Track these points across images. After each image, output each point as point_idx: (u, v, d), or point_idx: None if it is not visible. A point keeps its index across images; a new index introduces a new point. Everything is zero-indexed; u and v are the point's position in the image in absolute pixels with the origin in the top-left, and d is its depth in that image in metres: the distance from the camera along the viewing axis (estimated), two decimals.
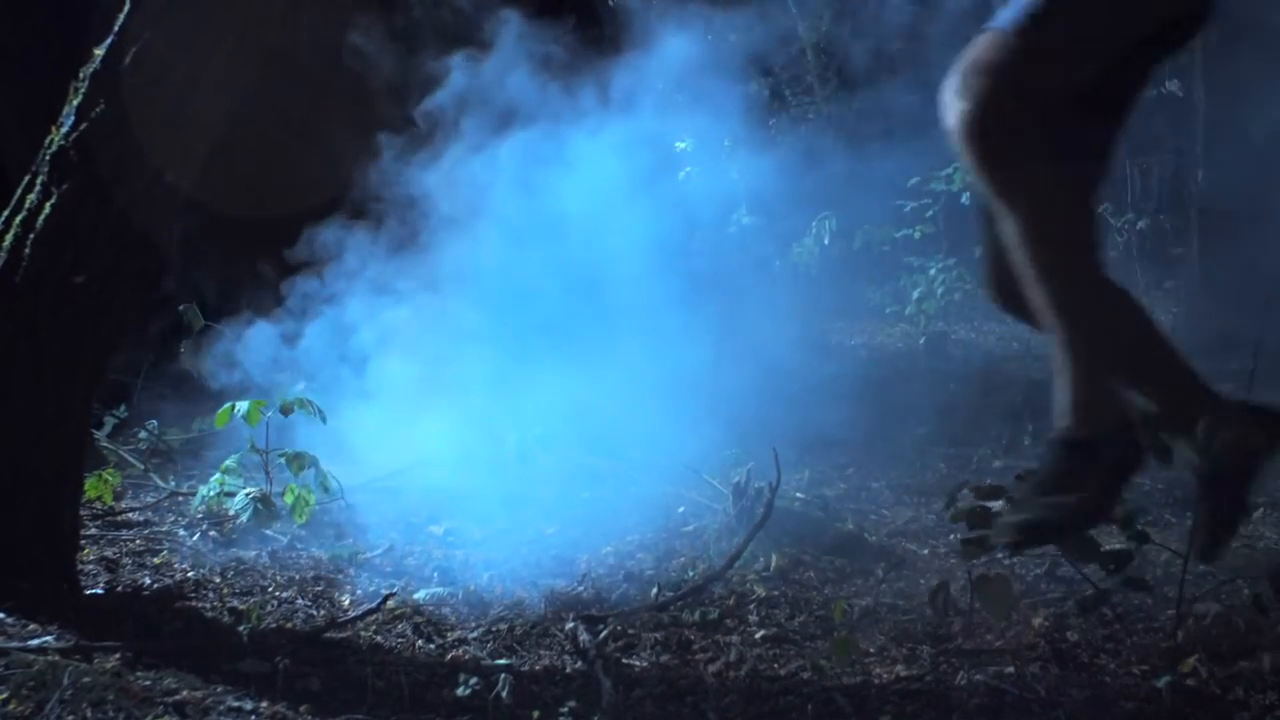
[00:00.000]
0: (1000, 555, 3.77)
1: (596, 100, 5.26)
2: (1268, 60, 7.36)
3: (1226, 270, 7.30)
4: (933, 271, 8.48)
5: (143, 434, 5.06)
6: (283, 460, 4.22)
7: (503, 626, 3.25)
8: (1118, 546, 2.93)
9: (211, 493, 4.18)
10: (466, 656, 3.06)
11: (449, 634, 3.23)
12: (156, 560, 3.82)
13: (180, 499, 4.49)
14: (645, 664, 3.03)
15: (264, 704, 2.70)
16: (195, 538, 4.04)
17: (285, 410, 4.34)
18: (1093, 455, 2.32)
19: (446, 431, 5.17)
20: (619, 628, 3.20)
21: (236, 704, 2.69)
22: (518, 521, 4.38)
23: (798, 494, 4.30)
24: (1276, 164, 7.00)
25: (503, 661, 3.02)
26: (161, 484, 4.68)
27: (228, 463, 4.30)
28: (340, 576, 3.71)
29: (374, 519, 4.35)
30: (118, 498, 4.44)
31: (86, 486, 4.06)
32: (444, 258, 4.95)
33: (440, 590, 3.52)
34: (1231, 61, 7.50)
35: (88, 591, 3.38)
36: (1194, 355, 6.84)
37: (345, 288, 4.89)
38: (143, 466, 4.80)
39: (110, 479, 4.29)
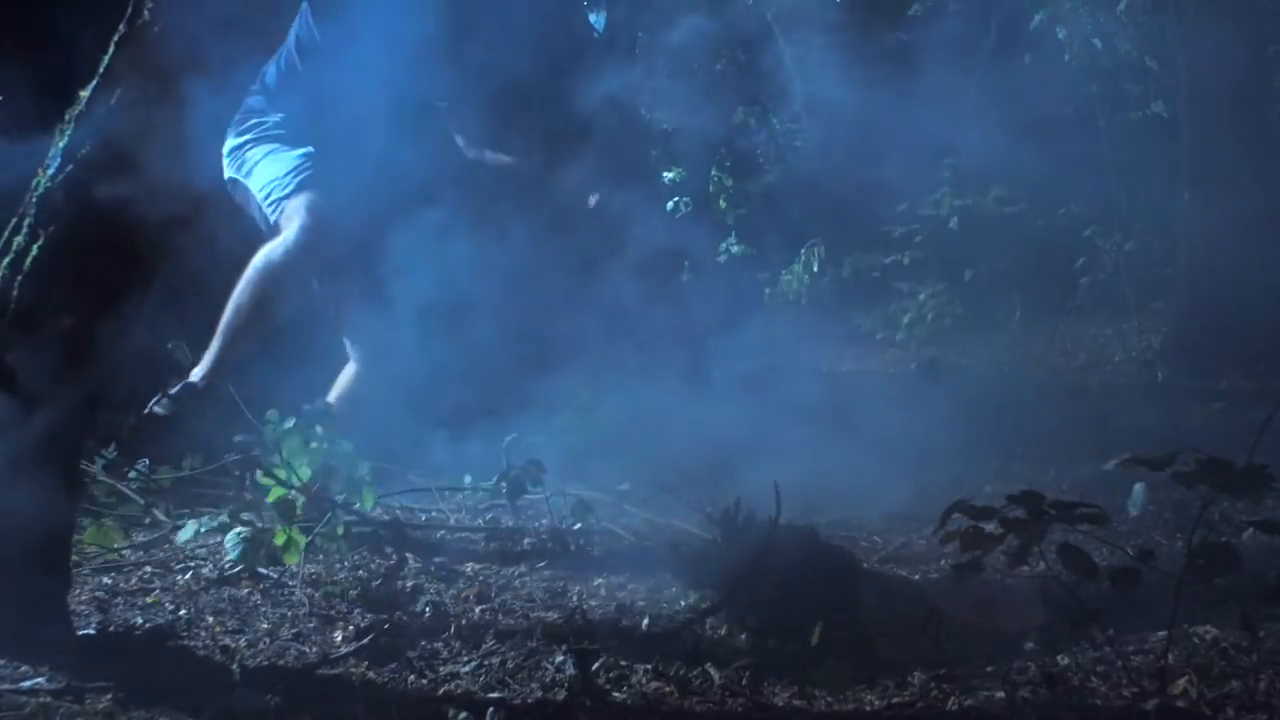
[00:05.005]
0: (993, 580, 3.78)
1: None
2: (1253, 81, 7.42)
3: (1215, 290, 7.33)
4: (922, 297, 8.54)
5: (133, 473, 5.05)
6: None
7: (494, 660, 3.25)
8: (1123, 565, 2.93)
9: (202, 531, 4.17)
10: (459, 691, 3.06)
11: (441, 668, 3.23)
12: (149, 599, 3.81)
13: (171, 537, 4.48)
14: (637, 695, 3.03)
15: None
16: (187, 576, 4.04)
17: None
18: None
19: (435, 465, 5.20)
20: (611, 659, 3.20)
21: None
22: (509, 554, 4.39)
23: (789, 522, 4.29)
24: (1263, 184, 7.04)
25: (495, 695, 3.02)
26: (164, 518, 4.67)
27: (223, 516, 4.28)
28: (332, 612, 3.71)
29: (366, 553, 4.35)
30: (107, 536, 4.44)
31: (87, 535, 4.10)
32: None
33: (432, 624, 3.52)
34: (1217, 82, 7.54)
35: (80, 632, 3.37)
36: (1184, 375, 6.89)
37: None
38: (143, 502, 4.80)
39: (111, 532, 4.32)
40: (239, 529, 4.11)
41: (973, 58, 9.39)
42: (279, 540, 4.10)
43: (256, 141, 4.66)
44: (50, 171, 3.19)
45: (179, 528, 4.44)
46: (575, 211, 5.10)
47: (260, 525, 4.15)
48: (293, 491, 4.23)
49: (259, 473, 4.28)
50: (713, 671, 3.14)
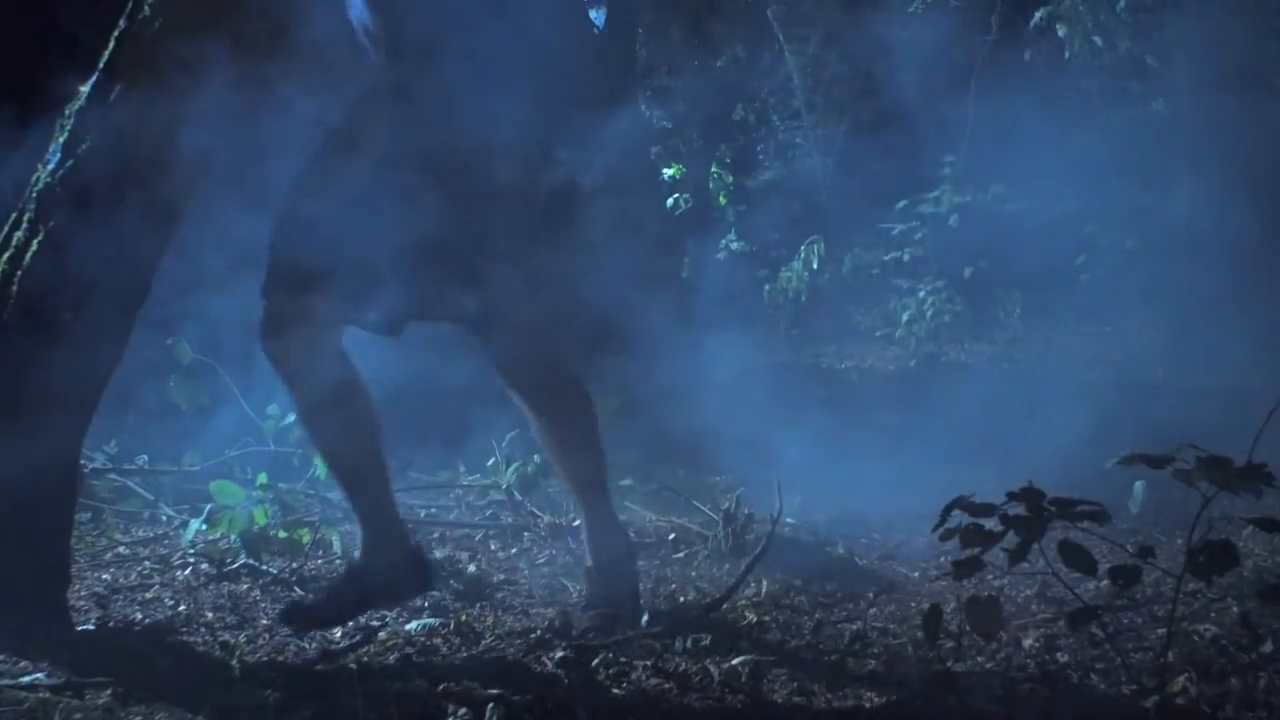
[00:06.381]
0: (991, 576, 3.78)
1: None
2: (1254, 78, 7.41)
3: (1214, 289, 7.32)
4: (922, 294, 8.52)
5: (132, 468, 5.05)
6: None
7: (494, 656, 3.25)
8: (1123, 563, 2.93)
9: (202, 527, 4.17)
10: (458, 687, 3.06)
11: (440, 664, 3.22)
12: (148, 595, 3.81)
13: (170, 533, 4.49)
14: (636, 691, 3.03)
15: None
16: (186, 572, 4.04)
17: None
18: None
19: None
20: (611, 656, 3.20)
21: None
22: (511, 550, 4.39)
23: (788, 519, 4.30)
24: (1263, 182, 7.03)
25: (494, 691, 3.01)
26: (171, 513, 4.67)
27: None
28: None
29: None
30: (107, 532, 4.45)
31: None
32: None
33: (432, 620, 3.52)
34: (1217, 79, 7.54)
35: (79, 627, 3.38)
36: (1181, 374, 6.83)
37: None
38: (153, 497, 4.80)
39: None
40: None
41: (973, 54, 9.39)
42: (280, 534, 4.11)
43: None
44: (50, 167, 3.19)
45: (180, 524, 4.44)
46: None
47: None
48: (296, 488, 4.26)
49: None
50: (712, 668, 3.14)
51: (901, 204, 8.83)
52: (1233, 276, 7.00)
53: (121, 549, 4.34)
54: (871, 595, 3.76)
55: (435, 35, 3.17)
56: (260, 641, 3.39)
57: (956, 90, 9.45)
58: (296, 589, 3.86)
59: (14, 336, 3.12)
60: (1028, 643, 3.27)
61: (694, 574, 4.00)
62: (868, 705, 2.92)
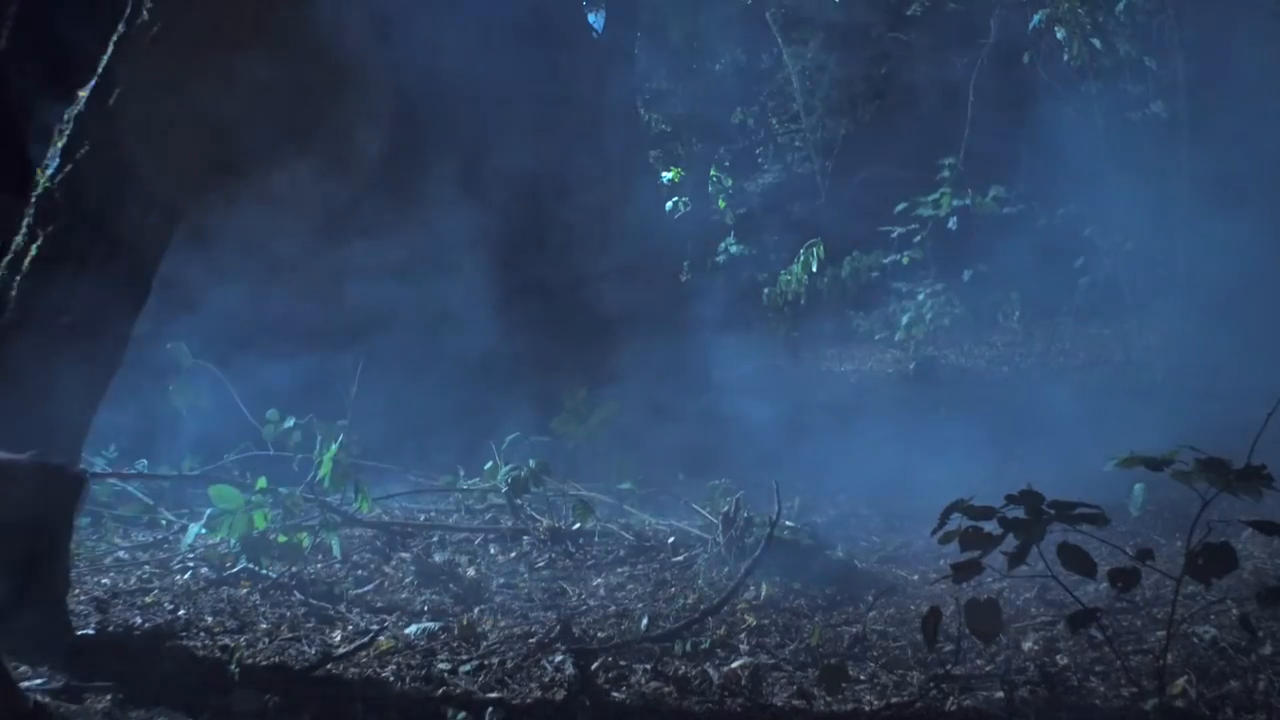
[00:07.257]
0: (991, 579, 3.78)
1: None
2: (1251, 80, 7.41)
3: (1211, 291, 7.32)
4: (921, 297, 8.52)
5: (132, 473, 5.05)
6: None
7: (494, 660, 3.24)
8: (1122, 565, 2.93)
9: (201, 531, 4.17)
10: (457, 690, 3.06)
11: (439, 668, 3.22)
12: (147, 599, 3.81)
13: (170, 538, 4.48)
14: (636, 695, 3.03)
15: None
16: (185, 576, 4.04)
17: None
18: None
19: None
20: (610, 659, 3.20)
21: None
22: (511, 553, 4.39)
23: (788, 522, 4.30)
24: (1259, 184, 7.03)
25: (493, 695, 3.01)
26: (171, 517, 4.67)
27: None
28: (331, 612, 3.70)
29: (366, 554, 4.35)
30: (107, 537, 4.45)
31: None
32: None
33: (432, 625, 3.52)
34: (1215, 81, 7.54)
35: (79, 632, 3.37)
36: (1181, 374, 6.81)
37: None
38: (152, 501, 4.79)
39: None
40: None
41: (972, 57, 9.39)
42: (280, 539, 4.10)
43: None
44: (49, 172, 3.19)
45: (179, 528, 4.44)
46: None
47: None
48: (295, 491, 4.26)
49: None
50: (712, 671, 3.14)
51: (900, 207, 8.83)
52: (1232, 278, 7.00)
53: (121, 553, 4.33)
54: (871, 598, 3.76)
55: None
56: (260, 646, 3.38)
57: (955, 93, 9.45)
58: (296, 593, 3.85)
59: (13, 340, 3.12)
60: (1027, 645, 3.27)
61: (693, 578, 3.99)
62: (868, 709, 2.92)
